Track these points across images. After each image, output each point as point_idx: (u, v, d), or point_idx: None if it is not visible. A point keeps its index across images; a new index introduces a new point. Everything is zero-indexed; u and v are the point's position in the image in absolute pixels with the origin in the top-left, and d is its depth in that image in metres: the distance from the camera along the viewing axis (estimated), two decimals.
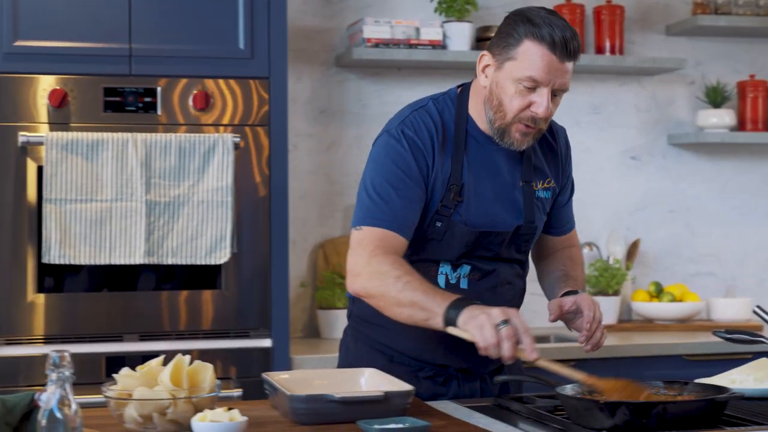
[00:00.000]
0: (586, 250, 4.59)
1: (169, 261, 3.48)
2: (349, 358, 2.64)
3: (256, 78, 3.63)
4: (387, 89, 4.43)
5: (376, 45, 4.20)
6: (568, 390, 2.19)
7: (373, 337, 2.60)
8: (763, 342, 2.27)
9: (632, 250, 4.62)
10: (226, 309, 3.59)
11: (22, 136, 3.43)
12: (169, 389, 1.99)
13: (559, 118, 4.54)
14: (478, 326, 2.23)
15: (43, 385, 3.40)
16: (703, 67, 4.82)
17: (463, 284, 2.54)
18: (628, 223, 4.72)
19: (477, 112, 2.54)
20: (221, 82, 3.61)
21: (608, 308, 4.40)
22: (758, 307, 2.30)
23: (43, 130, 3.47)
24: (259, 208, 3.61)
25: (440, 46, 4.29)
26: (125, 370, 2.08)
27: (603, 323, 2.55)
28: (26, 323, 3.46)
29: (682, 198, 4.79)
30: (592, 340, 2.52)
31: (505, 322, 2.21)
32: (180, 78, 3.58)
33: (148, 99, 3.55)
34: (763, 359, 2.52)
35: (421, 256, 2.51)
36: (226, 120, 3.60)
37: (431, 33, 4.28)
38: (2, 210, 3.44)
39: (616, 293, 4.43)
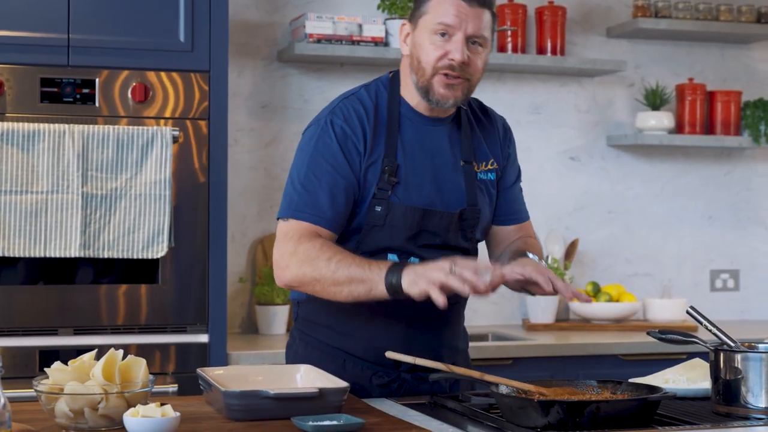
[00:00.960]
0: None
1: (106, 255, 3.44)
2: (299, 362, 2.58)
3: (196, 71, 3.60)
4: (329, 85, 4.42)
5: (319, 41, 4.18)
6: (503, 388, 2.20)
7: (322, 341, 2.58)
8: (695, 342, 2.29)
9: (570, 250, 4.65)
10: (163, 304, 3.56)
11: None
12: (101, 384, 1.97)
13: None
14: (430, 282, 2.22)
15: None
16: (643, 70, 4.86)
17: None
18: (567, 223, 4.75)
19: (409, 91, 2.55)
20: (162, 74, 3.57)
21: (546, 307, 4.43)
22: (691, 307, 2.32)
23: None
24: (198, 203, 3.58)
25: (383, 43, 4.28)
26: (57, 364, 2.06)
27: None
28: None
29: (621, 199, 4.84)
30: (568, 293, 2.42)
31: (453, 265, 2.21)
32: (119, 70, 3.54)
33: (86, 90, 3.50)
34: (696, 359, 2.55)
35: (367, 247, 2.50)
36: (165, 113, 3.57)
37: (374, 30, 4.27)
38: None
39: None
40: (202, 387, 2.26)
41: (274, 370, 2.41)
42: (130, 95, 3.53)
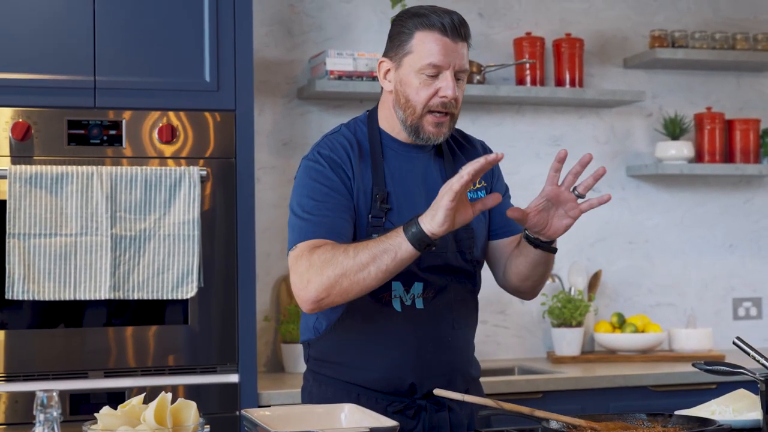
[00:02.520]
0: (548, 282, 4.60)
1: (135, 296, 3.43)
2: (313, 403, 2.60)
3: (221, 110, 3.61)
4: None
5: (339, 77, 4.19)
6: (554, 424, 2.18)
7: (335, 377, 2.58)
8: (743, 373, 2.27)
9: (594, 282, 4.64)
10: (192, 344, 3.54)
11: None
12: (153, 428, 1.95)
13: (519, 149, 4.60)
14: (444, 205, 2.22)
15: (3, 424, 3.33)
16: (661, 100, 4.87)
17: (419, 304, 2.54)
18: (588, 255, 4.74)
19: (389, 123, 2.59)
20: (188, 114, 3.57)
21: (572, 340, 4.41)
22: (738, 338, 2.31)
23: (5, 164, 3.41)
24: (225, 242, 3.58)
25: None
26: (106, 409, 2.04)
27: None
28: None
29: (641, 229, 4.83)
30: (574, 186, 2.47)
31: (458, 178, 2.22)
32: (145, 111, 3.54)
33: (113, 132, 3.51)
34: (741, 390, 2.53)
35: None
36: (192, 153, 3.57)
37: None
38: None
39: (579, 324, 4.45)
40: (246, 428, 2.25)
41: (317, 410, 2.39)
42: (156, 135, 3.53)
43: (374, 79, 4.23)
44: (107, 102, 3.51)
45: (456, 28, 2.48)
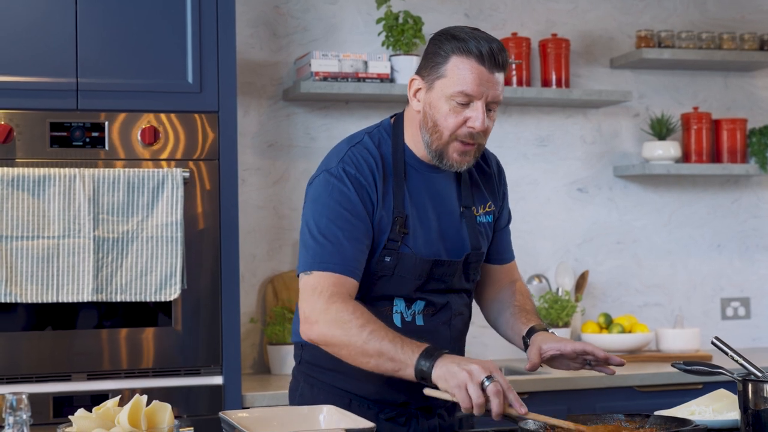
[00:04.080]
0: (535, 282, 4.60)
1: (118, 298, 3.42)
2: (305, 404, 2.58)
3: (205, 112, 3.60)
4: (335, 123, 4.42)
5: (324, 78, 4.19)
6: (531, 425, 2.17)
7: (329, 382, 2.57)
8: (722, 373, 2.27)
9: (581, 282, 4.64)
10: (176, 346, 3.54)
11: None
12: (127, 431, 1.94)
13: (506, 150, 4.60)
14: (459, 386, 2.19)
15: None
16: (648, 100, 4.87)
17: (419, 321, 2.53)
18: (575, 255, 4.74)
19: (413, 140, 2.54)
20: (170, 116, 3.57)
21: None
22: (716, 338, 2.31)
23: None
24: (209, 244, 3.57)
25: (388, 79, 4.29)
26: (81, 412, 2.03)
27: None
28: None
29: (629, 229, 4.83)
30: (610, 361, 2.49)
31: (489, 377, 2.18)
32: (128, 112, 3.53)
33: (95, 134, 3.50)
34: (721, 390, 2.53)
35: (374, 294, 2.49)
36: (175, 155, 3.56)
37: (379, 66, 4.28)
38: None
39: (566, 325, 4.44)
40: (225, 431, 2.24)
41: (296, 412, 2.39)
42: (139, 137, 3.53)
43: (359, 80, 4.23)
44: (89, 104, 3.50)
45: (494, 57, 2.41)
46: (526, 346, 2.57)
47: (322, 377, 2.58)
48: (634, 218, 4.84)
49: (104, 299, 3.41)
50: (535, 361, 2.48)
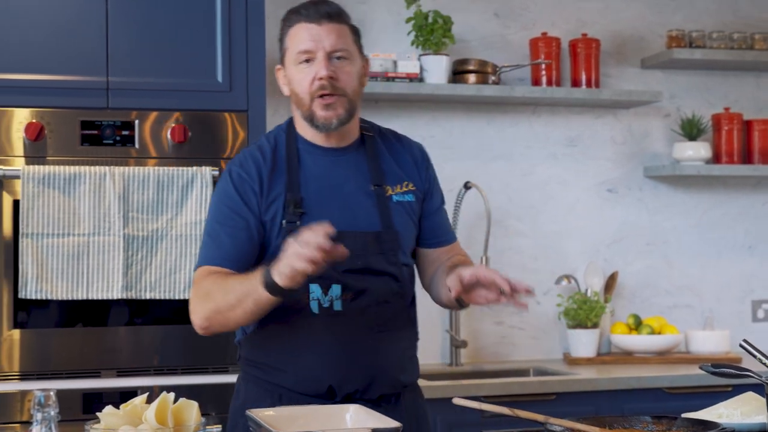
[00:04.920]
0: (564, 283, 4.58)
1: (147, 296, 3.44)
2: (239, 400, 2.64)
3: (234, 111, 3.61)
4: None
5: None
6: (557, 428, 2.16)
7: (261, 377, 2.60)
8: (750, 376, 2.26)
9: (610, 283, 4.62)
10: (204, 344, 3.55)
11: None
12: (153, 428, 1.96)
13: (535, 150, 4.59)
14: (289, 259, 2.25)
15: (18, 422, 3.35)
16: (678, 100, 4.84)
17: (337, 306, 2.53)
18: (605, 255, 4.72)
19: (302, 127, 2.62)
20: (200, 115, 3.58)
21: (587, 341, 4.40)
22: (744, 341, 2.29)
23: (19, 164, 3.43)
24: None
25: (417, 78, 4.29)
26: (108, 408, 2.04)
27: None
28: (2, 359, 3.41)
29: (659, 230, 4.80)
30: (515, 292, 2.40)
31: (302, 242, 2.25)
32: (158, 111, 3.55)
33: (125, 132, 3.52)
34: (749, 393, 2.51)
35: None
36: (204, 153, 3.57)
37: (408, 66, 4.28)
38: None
39: (595, 326, 4.43)
40: (251, 429, 2.25)
41: (322, 411, 2.39)
42: (169, 136, 3.54)
43: (388, 79, 4.23)
44: (120, 102, 3.52)
45: (319, 13, 2.53)
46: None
47: (256, 372, 2.62)
48: (664, 219, 4.81)
49: (133, 297, 3.43)
50: (457, 287, 2.40)
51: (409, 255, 2.66)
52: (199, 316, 2.49)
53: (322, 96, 2.51)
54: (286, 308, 2.50)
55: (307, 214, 2.52)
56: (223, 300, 2.43)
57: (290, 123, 2.66)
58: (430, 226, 2.71)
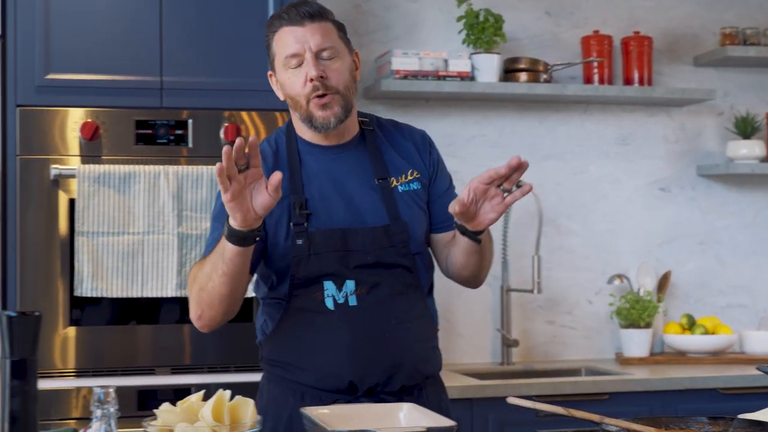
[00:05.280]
0: (616, 282, 4.56)
1: None
2: (263, 400, 2.63)
3: (286, 110, 3.61)
4: (415, 121, 4.40)
5: (405, 77, 4.19)
6: (612, 428, 2.15)
7: (282, 376, 2.60)
8: None
9: (663, 282, 4.59)
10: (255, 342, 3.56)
11: (54, 169, 3.43)
12: (210, 425, 1.97)
13: (587, 148, 4.56)
14: (225, 198, 2.22)
15: (74, 418, 3.39)
16: (732, 98, 4.80)
17: (352, 301, 2.52)
18: (657, 255, 4.69)
19: (301, 129, 2.61)
20: (252, 114, 3.60)
21: (640, 341, 4.37)
22: None
23: (74, 163, 3.47)
24: None
25: (468, 77, 4.28)
26: (165, 405, 2.06)
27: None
28: (58, 356, 3.45)
29: (712, 230, 4.76)
30: (513, 171, 2.43)
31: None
32: (211, 110, 3.58)
33: (179, 131, 3.55)
34: None
35: (301, 281, 2.52)
36: None
37: (459, 64, 4.27)
38: (34, 243, 3.43)
39: (647, 325, 4.40)
40: (306, 427, 2.26)
41: (376, 409, 2.40)
42: (222, 135, 3.57)
43: (439, 78, 4.23)
44: (173, 102, 3.55)
45: (301, 14, 2.51)
46: (456, 226, 2.52)
47: (278, 371, 2.62)
48: (717, 218, 4.77)
49: (187, 295, 3.45)
50: (463, 201, 2.37)
51: (422, 243, 2.64)
52: (191, 308, 2.51)
53: (316, 97, 2.51)
54: (303, 306, 2.52)
55: (313, 214, 2.52)
56: (202, 275, 2.44)
57: (289, 125, 2.66)
58: (439, 210, 2.67)
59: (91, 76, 3.51)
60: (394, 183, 2.61)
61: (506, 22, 4.44)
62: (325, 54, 2.52)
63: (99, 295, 3.41)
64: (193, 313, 2.52)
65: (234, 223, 2.30)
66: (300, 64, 2.51)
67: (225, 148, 2.21)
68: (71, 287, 3.43)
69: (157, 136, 3.54)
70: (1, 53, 3.46)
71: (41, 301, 3.43)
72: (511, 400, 2.30)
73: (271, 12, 3.61)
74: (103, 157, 3.50)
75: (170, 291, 3.44)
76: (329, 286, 2.52)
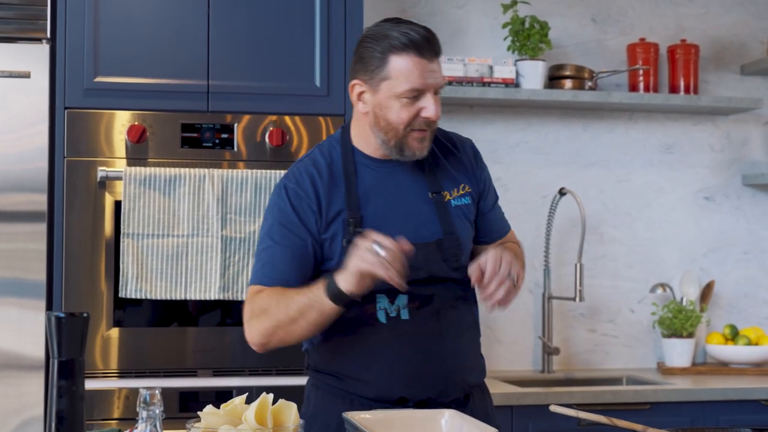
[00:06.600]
0: (659, 291, 4.53)
1: (244, 297, 3.49)
2: (310, 408, 2.63)
3: (331, 115, 3.64)
4: (459, 127, 4.42)
5: (450, 83, 4.19)
6: None
7: (331, 384, 2.59)
8: None
9: (706, 292, 4.56)
10: (298, 345, 3.57)
11: (101, 171, 3.46)
12: (253, 428, 1.98)
13: (632, 156, 4.54)
14: (359, 264, 2.25)
15: (116, 419, 3.41)
16: None
17: (404, 315, 2.52)
18: (701, 264, 4.66)
19: (363, 140, 2.56)
20: (297, 119, 3.62)
21: (682, 351, 4.34)
22: None
23: (121, 165, 3.50)
24: None
25: (513, 84, 4.28)
26: (209, 408, 2.07)
27: (509, 276, 2.39)
28: (100, 357, 3.48)
29: (757, 239, 4.72)
30: (487, 293, 2.38)
31: (374, 243, 2.24)
32: (257, 114, 3.60)
33: (224, 135, 3.57)
34: None
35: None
36: (299, 157, 3.60)
37: (504, 71, 4.27)
38: (80, 244, 3.47)
39: (690, 335, 4.37)
40: (348, 431, 2.26)
41: (418, 415, 2.40)
42: (267, 139, 3.59)
43: (484, 84, 4.23)
44: (220, 106, 3.57)
45: (429, 45, 2.45)
46: None
47: (326, 380, 2.61)
48: (762, 228, 4.73)
49: (230, 298, 3.48)
50: (476, 274, 2.39)
51: (469, 256, 2.64)
52: (256, 333, 2.48)
53: (418, 130, 2.48)
54: (354, 318, 2.50)
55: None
56: (284, 314, 2.41)
57: (344, 134, 2.61)
58: (486, 224, 2.69)
59: (138, 79, 3.54)
60: (447, 197, 2.60)
61: (552, 29, 4.43)
62: (437, 91, 2.49)
63: (143, 297, 3.43)
64: (256, 340, 2.49)
65: (348, 288, 2.30)
66: (415, 97, 2.45)
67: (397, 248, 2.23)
68: (115, 288, 3.46)
69: (203, 139, 3.56)
70: (51, 56, 3.50)
71: (86, 302, 3.46)
72: (555, 408, 2.30)
73: (317, 17, 3.62)
74: (149, 160, 3.53)
75: (213, 293, 3.46)
76: (381, 300, 2.52)
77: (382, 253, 2.25)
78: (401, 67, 2.43)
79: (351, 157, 2.57)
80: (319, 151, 2.60)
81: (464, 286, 2.59)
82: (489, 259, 2.39)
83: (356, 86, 2.53)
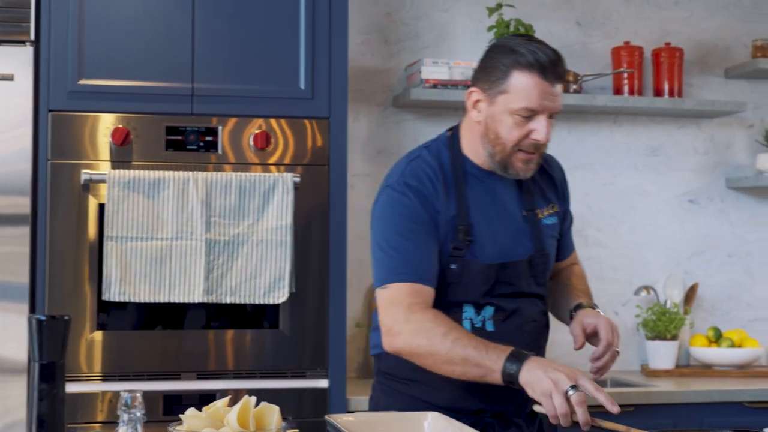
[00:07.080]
0: (643, 294, 4.54)
1: (228, 300, 3.48)
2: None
3: (315, 118, 3.64)
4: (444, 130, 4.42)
5: (434, 86, 4.20)
6: None
7: (405, 392, 2.59)
8: None
9: (690, 295, 4.57)
10: (283, 349, 3.58)
11: (85, 174, 3.45)
12: (236, 431, 1.98)
13: (616, 160, 4.55)
14: (544, 394, 2.21)
15: (99, 422, 3.41)
16: (763, 111, 4.78)
17: (489, 327, 2.53)
18: (685, 267, 4.67)
19: (472, 149, 2.55)
20: (282, 121, 3.62)
21: (666, 353, 4.35)
22: None
23: (105, 168, 3.49)
24: (318, 248, 3.61)
25: None
26: (191, 411, 2.07)
27: (616, 346, 2.53)
28: (84, 360, 3.47)
29: (741, 242, 4.74)
30: (599, 364, 2.49)
31: (574, 387, 2.18)
32: (241, 117, 3.59)
33: (209, 138, 3.57)
34: None
35: (442, 302, 2.49)
36: (286, 160, 3.61)
37: None
38: (64, 247, 3.46)
39: (674, 338, 4.38)
40: None
41: (401, 417, 2.40)
42: (251, 142, 3.58)
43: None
44: (204, 109, 3.57)
45: (554, 69, 2.43)
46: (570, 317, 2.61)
47: (399, 387, 2.60)
48: (746, 231, 4.75)
49: (214, 300, 3.47)
50: (580, 339, 2.50)
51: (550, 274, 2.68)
52: (404, 343, 2.43)
53: (527, 152, 2.47)
54: None
55: (474, 242, 2.50)
56: (446, 352, 2.36)
57: (452, 139, 2.60)
58: (561, 243, 2.73)
59: (122, 82, 3.53)
60: (540, 216, 2.62)
61: (537, 32, 4.43)
62: (551, 116, 2.47)
63: (127, 300, 3.42)
64: (401, 347, 2.44)
65: (524, 385, 2.27)
66: (529, 117, 2.44)
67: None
68: (99, 292, 3.45)
69: (187, 142, 3.56)
70: (35, 58, 3.49)
71: (69, 305, 3.45)
72: (537, 408, 2.31)
73: (302, 20, 3.62)
74: (133, 163, 3.52)
75: (197, 296, 3.45)
76: (468, 310, 2.52)
77: (574, 398, 2.19)
78: (522, 84, 2.42)
79: (460, 164, 2.55)
80: (428, 152, 2.57)
81: (545, 301, 2.63)
82: (602, 328, 2.47)
83: (474, 93, 2.53)
